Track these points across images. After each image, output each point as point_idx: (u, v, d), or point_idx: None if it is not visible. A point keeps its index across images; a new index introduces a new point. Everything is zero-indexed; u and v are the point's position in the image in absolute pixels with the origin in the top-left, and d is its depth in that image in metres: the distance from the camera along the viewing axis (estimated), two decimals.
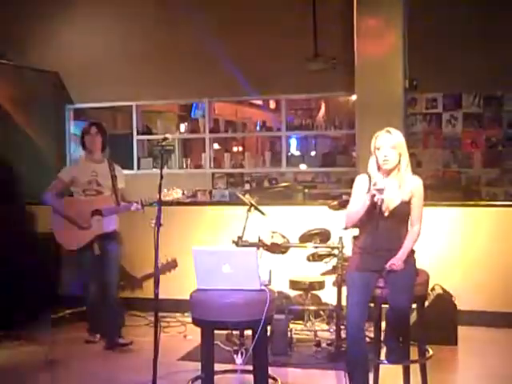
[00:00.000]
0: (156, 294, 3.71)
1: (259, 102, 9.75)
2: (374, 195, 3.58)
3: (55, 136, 8.22)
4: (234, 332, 4.99)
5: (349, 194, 4.56)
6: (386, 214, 3.70)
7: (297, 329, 5.21)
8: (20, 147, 7.35)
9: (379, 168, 3.74)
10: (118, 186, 5.08)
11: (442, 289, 5.29)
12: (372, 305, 3.83)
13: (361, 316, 3.61)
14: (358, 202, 3.69)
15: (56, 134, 8.23)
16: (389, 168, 3.68)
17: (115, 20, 7.93)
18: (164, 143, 3.99)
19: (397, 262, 3.65)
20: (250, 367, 3.77)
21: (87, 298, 5.20)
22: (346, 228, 3.86)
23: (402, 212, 3.73)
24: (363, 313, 3.62)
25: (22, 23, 7.99)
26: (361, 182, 3.79)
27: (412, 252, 3.77)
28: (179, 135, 8.52)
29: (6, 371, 4.74)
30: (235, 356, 4.65)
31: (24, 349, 5.22)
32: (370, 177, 3.78)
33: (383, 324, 3.89)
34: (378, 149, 3.70)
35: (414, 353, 3.93)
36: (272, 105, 9.45)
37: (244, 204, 5.15)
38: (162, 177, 3.92)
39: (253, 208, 5.08)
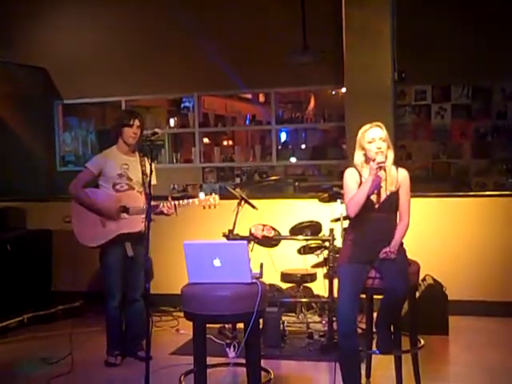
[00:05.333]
0: (147, 289, 3.70)
1: (248, 96, 9.73)
2: (378, 168, 3.63)
3: (44, 132, 8.20)
4: (227, 325, 5.02)
5: (339, 187, 4.58)
6: (377, 205, 3.74)
7: (289, 321, 5.22)
8: (9, 144, 7.33)
9: (366, 162, 3.76)
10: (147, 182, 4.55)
11: (433, 279, 5.32)
12: (363, 296, 3.86)
13: (352, 309, 3.61)
14: (362, 185, 3.68)
15: (45, 130, 8.21)
16: (382, 160, 3.69)
17: (103, 16, 7.89)
18: (153, 138, 3.92)
19: (390, 250, 3.67)
20: (243, 360, 3.78)
21: (110, 308, 4.67)
22: (349, 217, 3.84)
23: (392, 203, 3.76)
24: (355, 306, 3.63)
25: (9, 19, 7.94)
26: (352, 173, 3.81)
27: (401, 244, 3.80)
28: (169, 130, 8.51)
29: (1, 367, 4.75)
30: (228, 349, 4.69)
31: (18, 345, 5.24)
32: (358, 170, 3.80)
33: (374, 315, 3.92)
34: (370, 142, 3.72)
35: (405, 343, 3.95)
36: (261, 98, 9.43)
37: (234, 198, 5.15)
38: (151, 171, 3.91)
39: (243, 201, 5.09)
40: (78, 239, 4.66)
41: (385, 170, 3.70)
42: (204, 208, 4.50)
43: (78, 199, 4.65)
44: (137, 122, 4.63)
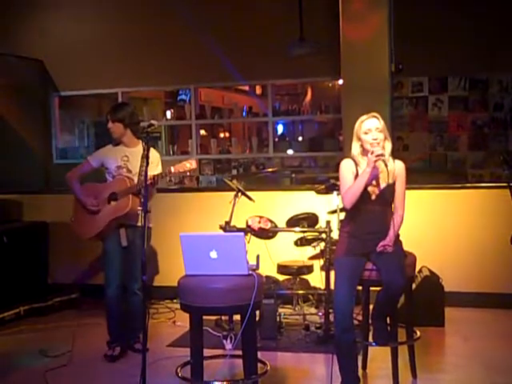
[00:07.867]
0: (144, 281, 3.69)
1: (245, 88, 9.71)
2: (376, 160, 3.61)
3: (41, 124, 8.17)
4: (223, 317, 5.02)
5: (336, 178, 4.57)
6: (373, 197, 3.73)
7: (286, 313, 5.22)
8: (5, 136, 7.30)
9: (363, 153, 3.75)
10: (143, 170, 4.37)
11: (430, 271, 5.33)
12: (360, 288, 3.86)
13: (349, 304, 3.61)
14: (360, 177, 3.67)
15: (42, 122, 8.18)
16: (381, 152, 3.66)
17: (99, 7, 7.85)
18: (150, 129, 3.90)
19: (388, 243, 3.67)
20: (240, 352, 3.78)
21: (106, 297, 4.68)
22: (345, 209, 3.83)
23: (388, 195, 3.75)
24: (351, 299, 3.62)
25: (5, 11, 7.90)
26: (348, 164, 3.79)
27: (397, 235, 3.79)
28: (165, 122, 8.49)
29: None
30: (224, 341, 4.69)
31: (15, 337, 5.23)
32: (355, 161, 3.79)
33: (371, 306, 3.92)
34: (366, 133, 3.71)
35: (401, 334, 3.96)
36: (258, 90, 9.41)
37: (231, 189, 5.15)
38: (147, 163, 3.89)
39: (240, 193, 5.08)
40: (77, 234, 4.73)
41: (386, 164, 3.66)
42: (183, 177, 4.43)
43: (70, 188, 4.77)
44: (107, 117, 4.73)
